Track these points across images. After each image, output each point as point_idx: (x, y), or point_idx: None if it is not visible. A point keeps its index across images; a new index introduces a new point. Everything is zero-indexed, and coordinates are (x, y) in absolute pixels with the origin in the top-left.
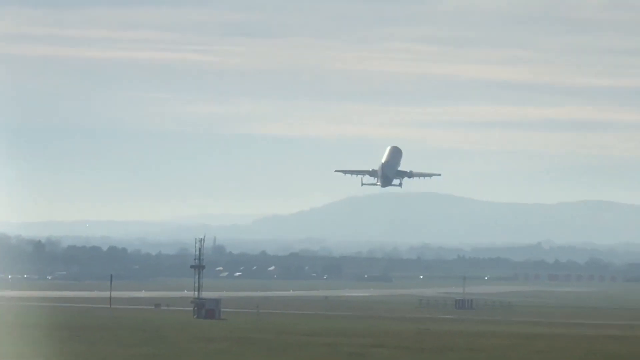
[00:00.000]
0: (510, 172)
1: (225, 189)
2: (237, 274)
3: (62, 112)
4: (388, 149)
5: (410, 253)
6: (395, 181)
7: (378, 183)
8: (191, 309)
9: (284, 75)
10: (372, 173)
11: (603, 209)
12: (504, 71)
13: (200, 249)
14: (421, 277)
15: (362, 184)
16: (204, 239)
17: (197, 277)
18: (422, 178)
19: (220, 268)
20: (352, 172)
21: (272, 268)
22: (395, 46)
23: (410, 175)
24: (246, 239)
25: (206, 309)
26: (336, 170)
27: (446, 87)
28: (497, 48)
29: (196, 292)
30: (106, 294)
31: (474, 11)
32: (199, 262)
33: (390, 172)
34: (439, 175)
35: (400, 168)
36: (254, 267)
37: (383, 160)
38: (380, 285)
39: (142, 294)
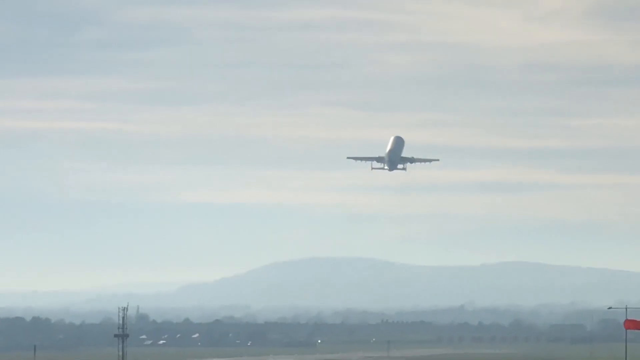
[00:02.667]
0: (432, 235)
1: (147, 257)
2: (161, 342)
3: None
4: (392, 138)
5: (335, 317)
6: (400, 165)
7: (386, 167)
8: None
9: (203, 143)
10: (379, 159)
11: (525, 270)
12: (421, 134)
13: (123, 318)
14: (320, 341)
15: (372, 168)
16: (127, 308)
17: (121, 346)
18: (423, 163)
19: (144, 336)
20: (362, 159)
21: (196, 335)
22: (312, 111)
23: (412, 160)
24: (169, 307)
25: None
26: (348, 157)
27: (364, 152)
28: (414, 112)
29: None
30: None
31: (390, 75)
32: (123, 331)
33: (395, 158)
34: (438, 160)
35: (403, 155)
36: (178, 335)
37: (388, 149)
38: (305, 350)
39: None
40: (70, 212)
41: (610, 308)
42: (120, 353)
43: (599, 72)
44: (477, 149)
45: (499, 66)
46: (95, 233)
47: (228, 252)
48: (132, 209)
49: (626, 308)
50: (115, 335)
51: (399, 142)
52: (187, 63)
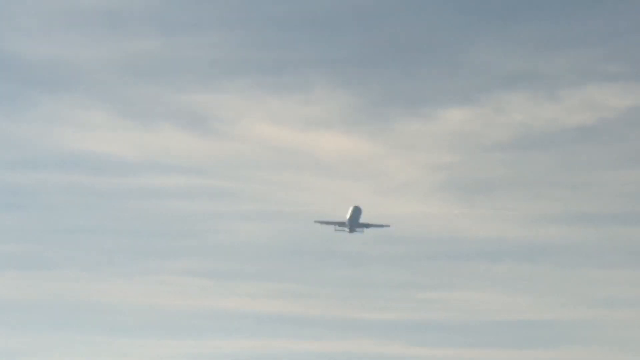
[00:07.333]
0: None
1: None
2: None
3: None
4: (351, 208)
5: None
6: (359, 229)
7: (347, 230)
8: None
9: (49, 309)
10: (341, 224)
11: None
12: (271, 304)
13: None
14: None
15: (335, 230)
16: None
17: None
18: (376, 228)
19: None
20: (327, 223)
21: None
22: (161, 279)
23: (367, 225)
24: None
25: None
26: (315, 221)
27: (217, 321)
28: (263, 281)
29: None
30: None
31: (240, 244)
32: None
33: (354, 223)
34: (389, 226)
35: (361, 221)
36: None
37: (348, 216)
38: None
39: None
40: None
41: None
42: None
43: (448, 245)
44: (325, 319)
45: (349, 238)
46: None
47: None
48: None
49: None
50: None
51: (356, 210)
52: (35, 228)
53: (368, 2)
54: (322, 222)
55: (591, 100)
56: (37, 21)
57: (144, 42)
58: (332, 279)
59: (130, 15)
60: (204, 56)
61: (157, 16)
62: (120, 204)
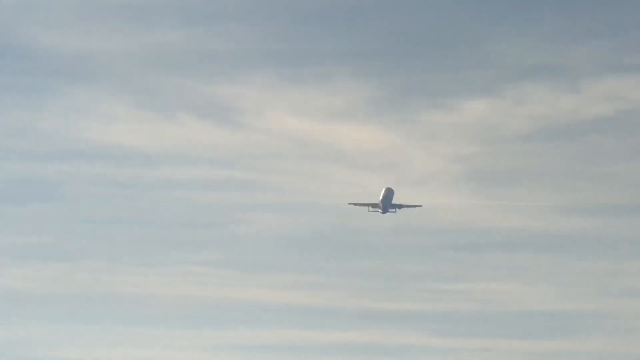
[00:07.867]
0: None
1: None
2: None
3: None
4: (384, 189)
5: None
6: (392, 210)
7: (380, 211)
8: None
9: (72, 299)
10: (374, 205)
11: None
12: (291, 295)
13: None
14: None
15: (369, 211)
16: None
17: None
18: (408, 208)
19: None
20: (361, 205)
21: None
22: (187, 270)
23: (400, 206)
24: None
25: None
26: (349, 203)
27: (240, 312)
28: (284, 272)
29: None
30: None
31: (261, 236)
32: None
33: (386, 204)
34: (421, 206)
35: (393, 202)
36: None
37: (381, 197)
38: None
39: None
40: None
41: None
42: None
43: (469, 236)
44: (347, 310)
45: (370, 229)
46: None
47: None
48: None
49: None
50: None
51: (389, 192)
52: (60, 219)
53: None
54: (355, 204)
55: (611, 92)
56: (59, 13)
57: (167, 33)
58: (353, 269)
59: (153, 6)
60: (226, 48)
61: (180, 8)
62: (143, 195)
